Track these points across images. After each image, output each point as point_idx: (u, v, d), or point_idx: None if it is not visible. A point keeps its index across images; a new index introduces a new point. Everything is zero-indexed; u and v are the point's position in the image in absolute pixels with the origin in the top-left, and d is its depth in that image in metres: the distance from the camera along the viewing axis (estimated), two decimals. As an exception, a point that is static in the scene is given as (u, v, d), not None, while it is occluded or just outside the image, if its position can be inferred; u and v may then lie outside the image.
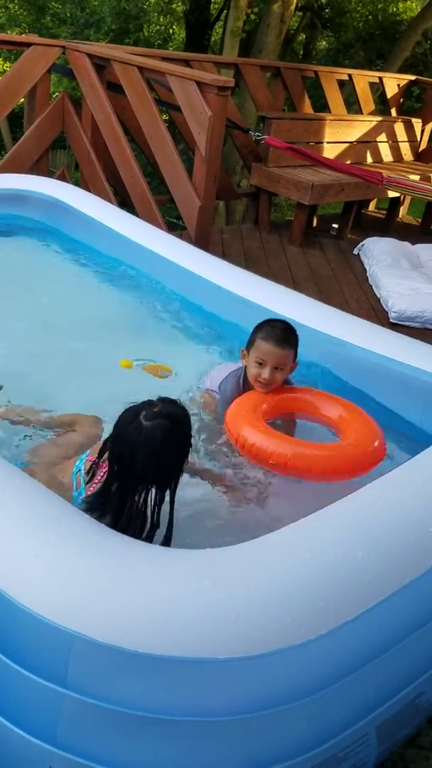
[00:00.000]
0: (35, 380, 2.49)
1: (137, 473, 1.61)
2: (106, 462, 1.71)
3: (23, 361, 2.62)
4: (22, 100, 4.85)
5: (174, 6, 15.89)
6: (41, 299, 3.20)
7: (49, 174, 5.11)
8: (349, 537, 1.46)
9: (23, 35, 5.23)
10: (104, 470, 1.74)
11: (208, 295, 3.19)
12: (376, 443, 2.04)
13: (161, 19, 17.37)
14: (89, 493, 1.75)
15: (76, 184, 5.28)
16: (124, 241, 3.57)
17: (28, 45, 4.60)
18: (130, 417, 1.63)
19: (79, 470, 1.83)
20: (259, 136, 4.97)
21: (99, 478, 1.76)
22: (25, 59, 4.55)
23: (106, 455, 1.71)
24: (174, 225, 5.55)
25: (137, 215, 4.35)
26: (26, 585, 1.30)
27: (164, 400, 1.67)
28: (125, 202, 4.82)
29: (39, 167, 4.80)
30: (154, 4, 16.15)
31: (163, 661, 1.21)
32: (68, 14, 16.59)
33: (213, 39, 13.50)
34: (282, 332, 2.19)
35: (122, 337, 3.00)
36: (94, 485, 1.77)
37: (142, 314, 3.25)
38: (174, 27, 17.42)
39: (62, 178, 5.01)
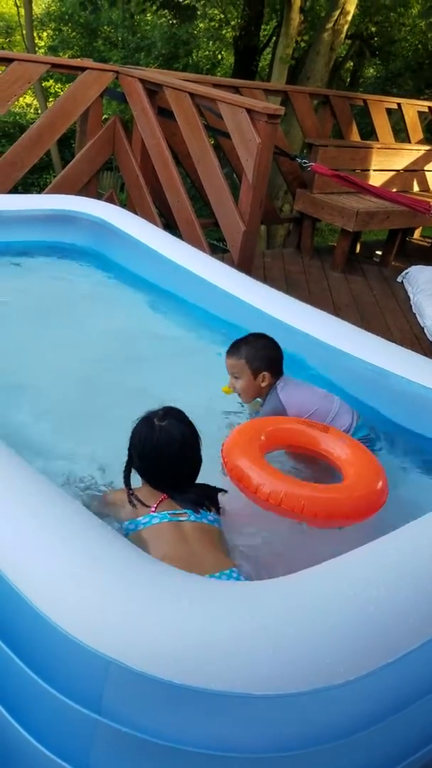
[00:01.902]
0: (79, 402, 2.50)
1: (165, 471, 1.80)
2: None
3: (73, 382, 2.64)
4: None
5: (224, 32, 16.15)
6: (88, 320, 3.24)
7: (98, 196, 5.21)
8: (393, 575, 1.43)
9: (78, 59, 5.36)
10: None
11: (249, 319, 3.19)
12: (379, 485, 1.90)
13: (210, 45, 17.68)
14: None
15: (123, 205, 5.37)
16: (169, 263, 3.62)
17: (83, 69, 4.72)
18: (145, 425, 1.81)
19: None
20: (305, 163, 4.99)
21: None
22: (79, 83, 4.67)
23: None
24: (216, 246, 5.59)
25: (182, 237, 4.41)
26: (65, 607, 1.30)
27: (165, 407, 1.85)
28: (170, 225, 4.89)
29: (88, 189, 4.90)
30: (204, 29, 16.46)
31: (198, 694, 1.19)
32: (120, 38, 16.99)
33: (261, 65, 13.67)
34: (233, 343, 2.39)
35: (165, 362, 3.01)
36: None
37: (187, 336, 3.28)
38: (223, 52, 17.70)
39: (110, 200, 5.11)
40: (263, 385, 2.35)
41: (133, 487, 1.86)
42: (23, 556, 1.39)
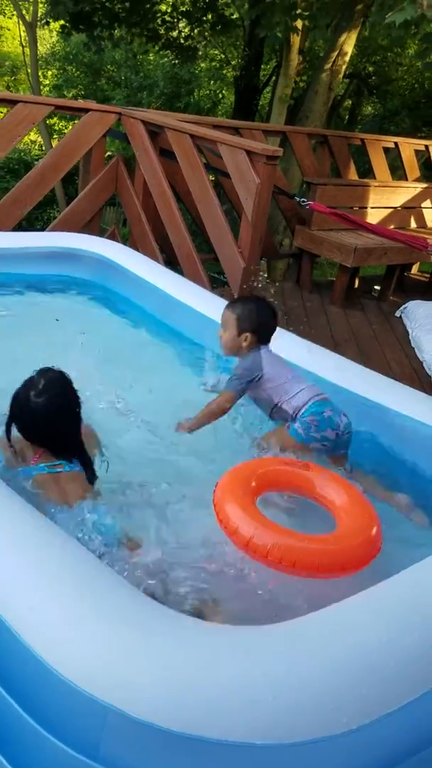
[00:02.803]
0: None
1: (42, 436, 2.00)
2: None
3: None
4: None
5: (224, 71, 16.53)
6: (89, 357, 3.26)
7: (101, 230, 5.30)
8: (395, 621, 1.42)
9: (82, 101, 5.48)
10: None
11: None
12: (373, 533, 1.84)
13: (212, 84, 18.08)
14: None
15: (125, 239, 5.46)
16: (169, 299, 3.67)
17: (86, 111, 4.84)
18: (24, 395, 1.98)
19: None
20: (304, 201, 5.07)
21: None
22: (82, 124, 4.78)
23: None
24: (216, 279, 5.65)
25: (182, 273, 4.47)
26: (62, 651, 1.30)
27: (46, 377, 2.00)
28: (171, 260, 4.95)
29: (91, 226, 4.98)
30: (205, 69, 16.85)
31: (197, 742, 1.19)
32: (123, 77, 17.39)
33: (261, 103, 13.96)
34: (237, 298, 2.63)
35: (168, 397, 3.03)
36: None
37: (185, 372, 3.30)
38: (224, 91, 18.09)
39: (112, 236, 5.18)
40: (244, 344, 2.48)
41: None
42: (21, 598, 1.39)
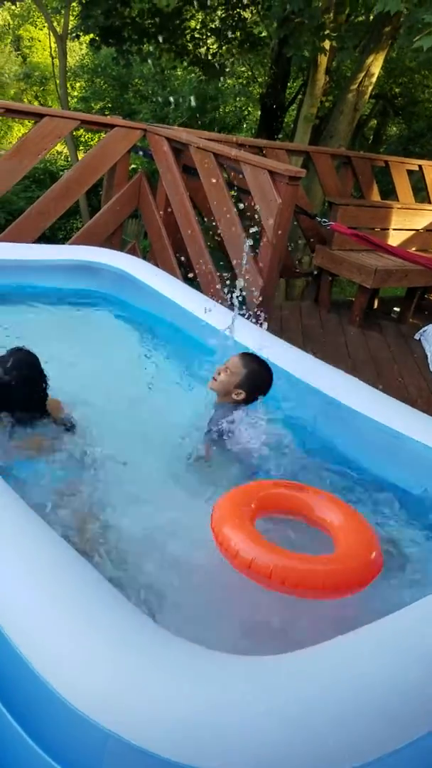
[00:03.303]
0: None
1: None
2: None
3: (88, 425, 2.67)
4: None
5: (251, 89, 16.66)
6: (108, 370, 3.29)
7: (122, 242, 5.34)
8: (405, 655, 1.40)
9: (108, 117, 5.54)
10: None
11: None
12: (373, 555, 1.83)
13: (237, 101, 18.21)
14: None
15: (145, 252, 5.49)
16: (186, 314, 3.68)
17: (112, 126, 4.89)
18: None
19: None
20: (325, 222, 5.08)
21: None
22: (108, 140, 4.83)
23: None
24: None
25: (200, 289, 4.48)
26: (68, 675, 1.30)
27: (14, 354, 2.41)
28: (189, 276, 4.97)
29: (113, 238, 5.02)
30: (231, 86, 16.99)
31: (196, 774, 1.18)
32: (150, 92, 17.57)
33: (286, 121, 14.03)
34: (250, 353, 2.71)
35: (180, 413, 3.03)
36: None
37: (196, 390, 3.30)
38: (249, 108, 18.22)
39: (133, 250, 5.22)
40: (234, 396, 2.62)
41: None
42: (29, 620, 1.39)
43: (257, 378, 2.61)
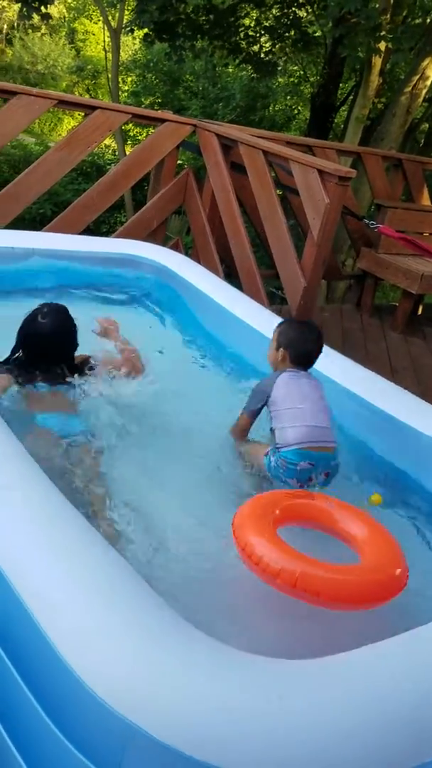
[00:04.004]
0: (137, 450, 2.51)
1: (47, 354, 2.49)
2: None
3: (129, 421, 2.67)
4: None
5: (302, 88, 16.54)
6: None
7: (165, 238, 5.35)
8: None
9: (159, 111, 5.56)
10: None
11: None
12: (398, 571, 1.78)
13: (288, 99, 18.11)
14: None
15: (188, 248, 5.49)
16: (225, 313, 3.67)
17: (162, 121, 4.90)
18: (31, 319, 2.47)
19: None
20: (372, 224, 5.01)
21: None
22: (157, 134, 4.85)
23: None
24: (274, 295, 5.63)
25: (241, 286, 4.47)
26: (96, 666, 1.29)
27: (48, 304, 2.51)
28: (231, 273, 4.96)
29: (156, 234, 5.03)
30: (282, 84, 16.91)
31: (218, 773, 1.17)
32: (200, 88, 17.58)
33: (336, 121, 13.90)
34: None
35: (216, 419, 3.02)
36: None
37: (235, 387, 3.29)
38: (299, 107, 18.10)
39: (176, 246, 5.23)
40: (280, 360, 2.52)
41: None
42: (61, 609, 1.39)
43: (291, 335, 2.52)
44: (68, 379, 2.52)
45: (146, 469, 2.40)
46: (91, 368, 2.60)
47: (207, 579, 1.90)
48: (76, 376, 2.54)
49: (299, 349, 2.50)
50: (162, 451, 2.54)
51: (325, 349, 3.26)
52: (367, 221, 5.13)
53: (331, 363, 3.11)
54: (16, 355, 2.53)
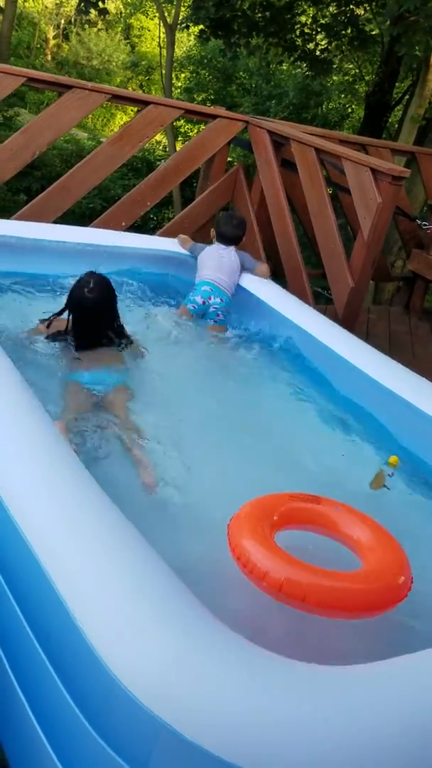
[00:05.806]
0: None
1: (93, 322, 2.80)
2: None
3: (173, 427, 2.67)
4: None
5: (356, 86, 16.35)
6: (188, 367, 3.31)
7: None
8: None
9: (211, 107, 5.55)
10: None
11: (346, 377, 3.15)
12: (400, 580, 1.72)
13: (341, 98, 17.91)
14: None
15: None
16: (271, 312, 3.65)
17: (214, 117, 4.88)
18: (78, 289, 2.73)
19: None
20: (425, 225, 4.91)
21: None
22: (209, 130, 4.83)
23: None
24: (320, 295, 5.56)
25: (287, 285, 4.43)
26: (125, 658, 1.29)
27: (92, 274, 2.75)
28: (276, 272, 4.91)
29: (203, 231, 5.01)
30: (337, 82, 16.72)
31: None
32: (253, 85, 17.53)
33: (390, 121, 13.68)
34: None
35: (253, 413, 3.00)
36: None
37: (276, 386, 3.27)
38: (353, 106, 17.89)
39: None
40: (212, 237, 3.89)
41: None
42: (98, 605, 1.39)
43: (219, 219, 4.01)
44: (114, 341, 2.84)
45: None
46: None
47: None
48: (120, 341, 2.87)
49: (223, 232, 3.81)
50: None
51: (370, 350, 3.24)
52: (419, 222, 5.03)
53: (376, 365, 3.08)
54: (64, 317, 2.81)
